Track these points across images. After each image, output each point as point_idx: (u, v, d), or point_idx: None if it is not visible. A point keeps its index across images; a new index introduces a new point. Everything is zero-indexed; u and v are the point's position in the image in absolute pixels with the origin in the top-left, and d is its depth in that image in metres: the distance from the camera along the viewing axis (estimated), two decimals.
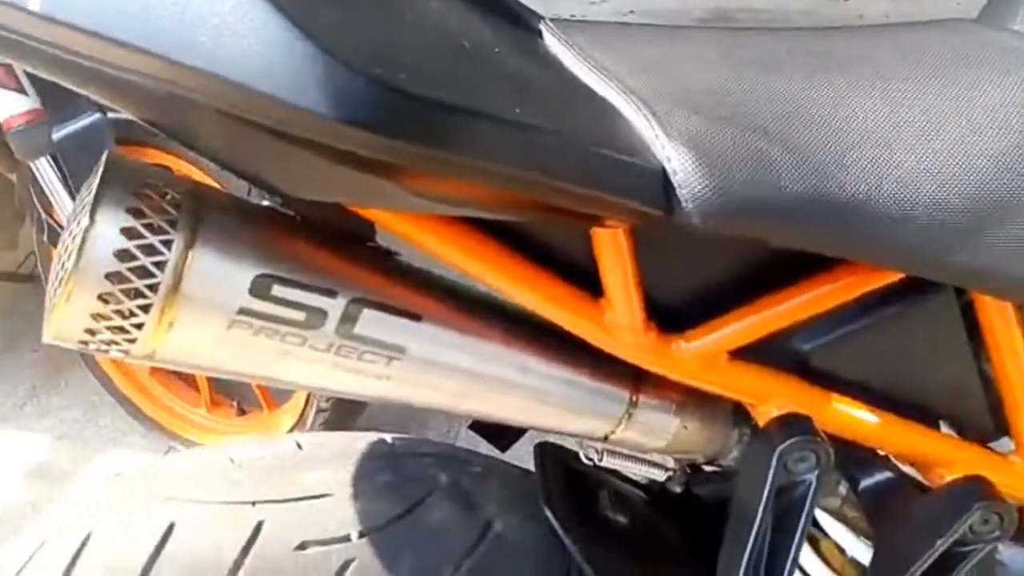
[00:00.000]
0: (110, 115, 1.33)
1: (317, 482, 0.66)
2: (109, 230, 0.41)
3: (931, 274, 0.47)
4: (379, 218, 0.48)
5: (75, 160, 1.34)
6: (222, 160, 0.45)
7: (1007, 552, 0.59)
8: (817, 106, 0.46)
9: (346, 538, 0.63)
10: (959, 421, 0.59)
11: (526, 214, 0.43)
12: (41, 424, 1.82)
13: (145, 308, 0.42)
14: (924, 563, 0.52)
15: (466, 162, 0.35)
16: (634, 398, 0.57)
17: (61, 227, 1.39)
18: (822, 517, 0.72)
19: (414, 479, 0.68)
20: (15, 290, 2.02)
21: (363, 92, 0.32)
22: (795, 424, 0.51)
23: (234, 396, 1.61)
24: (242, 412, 1.59)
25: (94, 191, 0.41)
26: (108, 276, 0.41)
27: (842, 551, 0.72)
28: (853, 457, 0.58)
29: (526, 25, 0.51)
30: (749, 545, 0.50)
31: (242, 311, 0.44)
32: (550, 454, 0.72)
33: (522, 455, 0.74)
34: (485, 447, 0.75)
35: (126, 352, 0.43)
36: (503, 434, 0.82)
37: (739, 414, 0.61)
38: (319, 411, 1.39)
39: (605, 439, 0.59)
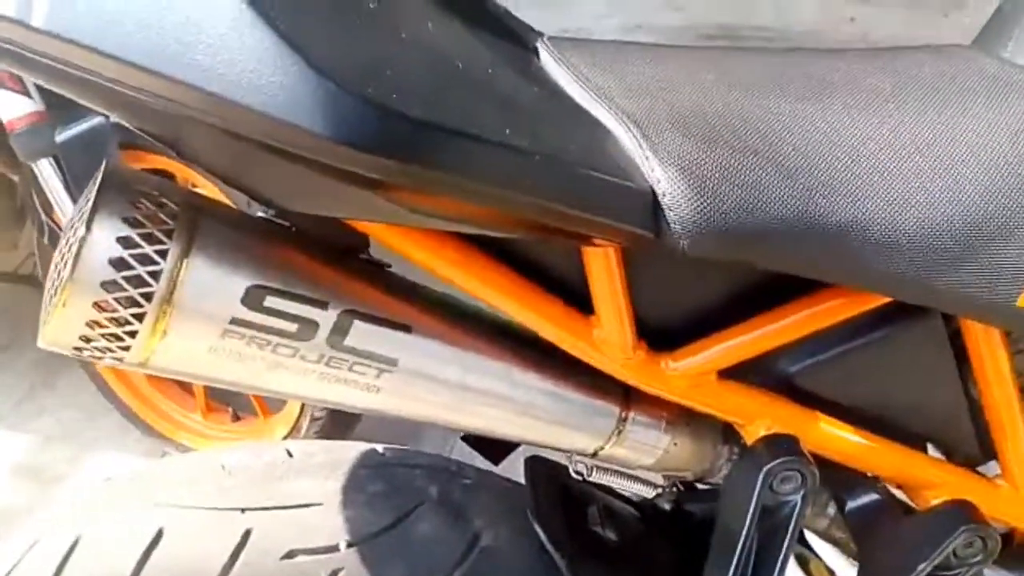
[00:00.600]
0: (113, 119, 1.33)
1: (307, 491, 0.66)
2: (105, 239, 0.41)
3: (918, 299, 0.48)
4: (373, 231, 0.48)
5: (77, 163, 1.35)
6: (218, 172, 0.45)
7: (991, 575, 0.59)
8: (808, 130, 0.46)
9: (334, 548, 0.63)
10: (946, 444, 0.60)
11: (517, 232, 0.44)
12: (37, 424, 1.82)
13: (139, 317, 0.42)
14: None
15: (455, 183, 0.36)
16: (624, 415, 0.57)
17: (61, 229, 1.40)
18: (811, 538, 0.72)
19: (404, 490, 0.68)
20: (15, 291, 2.02)
21: (354, 112, 0.33)
22: (781, 444, 0.51)
23: (229, 402, 1.61)
24: (237, 418, 1.59)
25: (92, 200, 0.42)
26: (103, 284, 0.41)
27: (831, 573, 0.73)
28: (840, 478, 0.58)
29: (522, 43, 0.52)
30: (733, 564, 0.50)
31: (235, 321, 0.44)
32: (541, 468, 0.72)
33: (517, 469, 0.74)
34: (481, 462, 0.75)
35: (120, 360, 0.44)
36: (496, 447, 0.82)
37: (728, 433, 0.61)
38: (313, 420, 1.39)
39: (595, 455, 0.59)
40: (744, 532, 0.50)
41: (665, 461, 0.61)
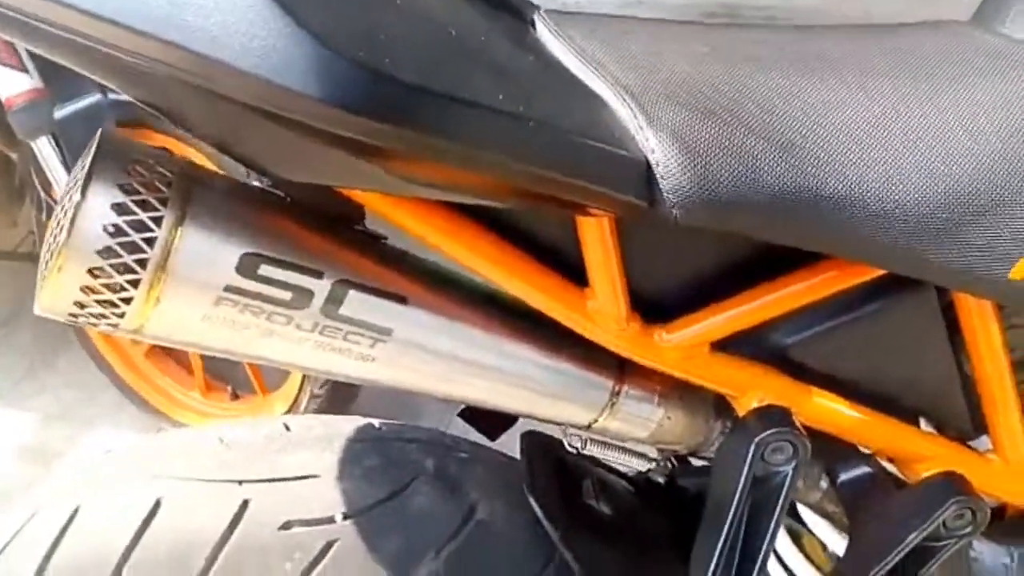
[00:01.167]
0: (111, 96, 1.33)
1: (304, 463, 0.67)
2: (101, 206, 0.41)
3: (911, 272, 0.48)
4: (368, 201, 0.48)
5: (75, 140, 1.34)
6: (213, 141, 0.45)
7: (979, 547, 0.60)
8: (803, 104, 0.46)
9: (330, 519, 0.64)
10: (938, 418, 0.60)
11: (510, 201, 0.44)
12: (36, 402, 1.83)
13: (134, 283, 0.42)
14: (896, 556, 0.52)
15: (447, 147, 0.36)
16: (618, 387, 0.58)
17: None
18: (805, 514, 0.73)
19: (400, 463, 0.69)
20: (14, 269, 2.02)
21: (347, 75, 0.33)
22: (773, 415, 0.52)
23: (228, 380, 1.62)
24: (236, 396, 1.59)
25: (87, 167, 0.42)
26: (98, 251, 0.41)
27: (824, 547, 0.73)
28: (833, 451, 0.58)
29: (518, 15, 0.52)
30: (723, 533, 0.50)
31: (229, 289, 0.44)
32: (537, 443, 0.73)
33: (513, 445, 0.75)
34: (477, 438, 0.75)
35: (115, 326, 0.44)
36: (492, 423, 0.83)
37: (721, 406, 0.62)
38: (313, 396, 1.39)
39: (588, 427, 0.60)
40: (735, 502, 0.50)
41: (658, 434, 0.61)
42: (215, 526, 0.63)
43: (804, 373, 0.55)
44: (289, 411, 1.45)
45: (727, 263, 0.52)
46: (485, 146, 0.37)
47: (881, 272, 0.51)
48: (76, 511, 0.65)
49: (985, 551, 0.59)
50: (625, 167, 0.41)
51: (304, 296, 0.46)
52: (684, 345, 0.52)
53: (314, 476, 0.66)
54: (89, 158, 0.42)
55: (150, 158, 0.44)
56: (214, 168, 0.47)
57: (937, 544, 0.54)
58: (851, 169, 0.45)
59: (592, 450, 0.64)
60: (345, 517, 0.64)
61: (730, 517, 0.50)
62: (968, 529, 0.54)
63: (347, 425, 0.72)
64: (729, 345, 0.53)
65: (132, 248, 0.42)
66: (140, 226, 0.42)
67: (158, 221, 0.42)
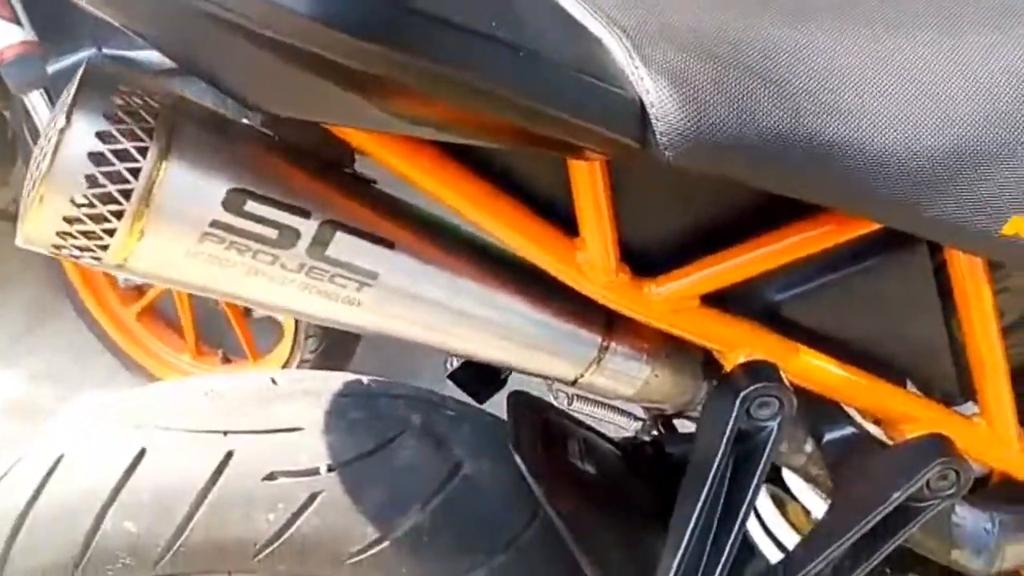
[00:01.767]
0: (106, 50, 1.32)
1: (289, 416, 0.67)
2: (85, 132, 0.41)
3: (903, 225, 0.47)
4: (355, 139, 0.48)
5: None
6: (202, 72, 0.45)
7: (961, 512, 0.60)
8: (801, 49, 0.46)
9: (315, 471, 0.64)
10: (926, 381, 0.60)
11: (501, 140, 0.43)
12: (27, 363, 1.83)
13: (118, 215, 0.42)
14: (879, 514, 0.52)
15: (436, 72, 0.35)
16: (605, 343, 0.57)
17: None
18: (789, 480, 0.73)
19: (386, 418, 0.69)
20: (6, 229, 2.01)
21: None
22: (760, 370, 0.51)
23: (219, 344, 1.62)
24: (227, 360, 1.59)
25: (72, 93, 0.41)
26: (81, 179, 0.41)
27: (808, 513, 0.73)
28: (818, 412, 0.58)
29: None
30: (706, 488, 0.50)
31: (214, 224, 0.44)
32: (523, 402, 0.72)
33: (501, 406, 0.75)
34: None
35: (98, 259, 0.44)
36: (482, 385, 0.83)
37: (709, 365, 0.61)
38: (303, 361, 1.39)
39: (574, 383, 0.60)
40: (719, 456, 0.50)
41: (645, 392, 0.61)
42: (199, 475, 0.63)
43: (793, 330, 0.55)
44: None
45: (718, 216, 0.52)
46: (475, 73, 0.36)
47: (873, 228, 0.51)
48: (60, 458, 0.65)
49: (967, 515, 0.59)
50: (618, 105, 0.41)
51: (290, 235, 0.46)
52: (673, 298, 0.52)
53: (299, 429, 0.66)
54: (75, 85, 0.41)
55: (138, 88, 0.43)
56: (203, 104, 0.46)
57: (920, 504, 0.54)
58: (849, 117, 0.44)
59: (578, 407, 0.63)
60: (330, 469, 0.64)
61: (713, 471, 0.50)
62: (952, 491, 0.54)
63: (335, 380, 0.72)
64: (719, 300, 0.53)
65: (116, 178, 0.41)
66: (125, 155, 0.41)
67: (143, 152, 0.42)
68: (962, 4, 0.50)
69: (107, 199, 0.41)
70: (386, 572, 0.64)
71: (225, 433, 0.65)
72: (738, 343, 0.53)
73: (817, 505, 0.72)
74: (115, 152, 0.41)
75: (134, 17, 0.43)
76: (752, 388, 0.50)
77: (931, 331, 0.57)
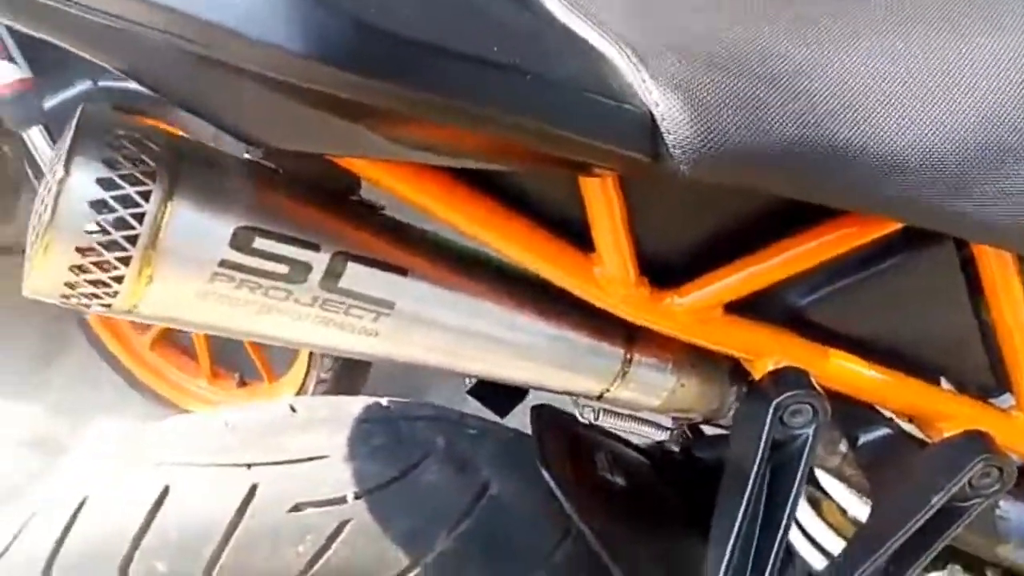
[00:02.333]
0: (102, 83, 1.32)
1: (311, 445, 0.66)
2: (85, 180, 0.40)
3: (928, 223, 0.46)
4: (362, 169, 0.47)
5: (63, 128, 1.33)
6: (200, 111, 0.44)
7: (1005, 506, 0.58)
8: (810, 52, 0.44)
9: (342, 500, 0.63)
10: (959, 376, 0.58)
11: (509, 162, 0.42)
12: (43, 395, 1.83)
13: (124, 261, 0.41)
14: (921, 519, 0.51)
15: (440, 103, 0.34)
16: (629, 355, 0.56)
17: None
18: (823, 478, 0.72)
19: (409, 442, 0.68)
20: (12, 264, 2.00)
21: (332, 27, 0.31)
22: (791, 378, 0.50)
23: (234, 367, 1.61)
24: (243, 383, 1.59)
25: (68, 141, 0.40)
26: (85, 228, 0.40)
27: (844, 512, 0.72)
28: (851, 414, 0.57)
29: None
30: (744, 501, 0.49)
31: (223, 264, 0.43)
32: (548, 417, 0.71)
33: (522, 421, 0.74)
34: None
35: (108, 306, 0.43)
36: (502, 399, 0.82)
37: (736, 372, 0.60)
38: (320, 381, 1.39)
39: (600, 397, 0.58)
40: (755, 468, 0.49)
41: (672, 402, 0.60)
42: (225, 510, 0.62)
43: (820, 333, 0.54)
44: (296, 396, 1.44)
45: (738, 222, 0.51)
46: (478, 101, 0.35)
47: (898, 226, 0.50)
48: (84, 502, 0.64)
49: (1012, 509, 0.58)
50: (628, 121, 0.39)
51: (302, 270, 0.45)
52: (696, 308, 0.50)
53: (323, 457, 0.65)
54: (71, 132, 0.41)
55: (135, 131, 0.42)
56: (203, 142, 0.45)
57: (963, 505, 0.52)
58: (864, 117, 0.43)
59: (605, 421, 0.62)
60: (356, 497, 0.63)
61: (751, 484, 0.49)
62: (995, 488, 0.52)
63: (354, 405, 0.71)
64: (743, 307, 0.52)
65: (120, 224, 0.40)
66: (128, 201, 0.40)
67: (146, 195, 0.41)
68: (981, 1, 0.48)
69: (113, 246, 0.40)
70: None
71: (248, 466, 0.64)
72: (766, 350, 0.52)
73: (852, 502, 0.71)
74: (117, 198, 0.40)
75: (128, 60, 0.42)
76: (784, 396, 0.49)
77: (962, 325, 0.55)
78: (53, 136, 1.30)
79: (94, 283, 0.41)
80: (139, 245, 0.41)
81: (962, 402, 0.56)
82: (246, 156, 0.47)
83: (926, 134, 0.43)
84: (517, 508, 0.67)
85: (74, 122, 0.41)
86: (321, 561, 0.62)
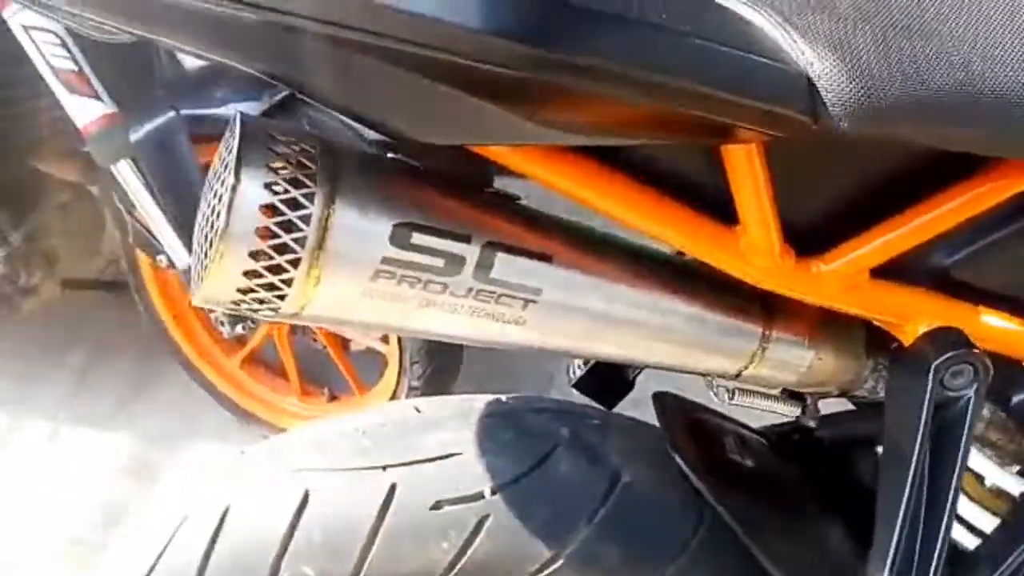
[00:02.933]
0: (184, 112, 1.35)
1: (443, 443, 0.66)
2: (255, 186, 0.41)
3: None
4: (502, 157, 0.47)
5: (152, 160, 1.36)
6: (346, 108, 0.44)
7: None
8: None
9: (479, 495, 0.63)
10: None
11: (659, 134, 0.42)
12: (137, 425, 1.87)
13: (294, 263, 0.42)
14: None
15: (617, 69, 0.35)
16: (767, 332, 0.56)
17: (146, 228, 1.42)
18: None
19: (537, 435, 0.68)
20: (98, 298, 2.07)
21: (514, 3, 0.32)
22: (948, 337, 0.49)
23: (323, 383, 1.64)
24: (333, 398, 1.61)
25: (235, 150, 0.41)
26: (257, 232, 0.41)
27: (981, 480, 0.70)
28: (1002, 374, 0.55)
29: None
30: (912, 468, 0.48)
31: (385, 260, 0.44)
32: (671, 403, 0.71)
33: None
34: None
35: (275, 310, 0.44)
36: (609, 391, 0.82)
37: (872, 341, 0.59)
38: (411, 388, 1.40)
39: (737, 376, 0.58)
40: (919, 432, 0.48)
41: (809, 377, 0.59)
42: (367, 512, 0.63)
43: (967, 292, 0.53)
44: None
45: (880, 184, 0.50)
46: (654, 67, 0.36)
47: None
48: (226, 511, 0.65)
49: None
50: (787, 82, 0.39)
51: (456, 262, 0.46)
52: (842, 275, 0.50)
53: (456, 454, 0.65)
54: (235, 140, 0.42)
55: (292, 136, 0.43)
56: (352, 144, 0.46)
57: None
58: (1018, 60, 0.42)
59: (740, 400, 0.62)
60: (493, 492, 0.64)
61: (916, 451, 0.48)
62: None
63: (476, 402, 0.71)
64: (888, 271, 0.51)
65: (289, 227, 0.41)
66: (294, 204, 0.42)
67: (310, 198, 0.42)
68: None
69: (283, 249, 0.42)
70: None
71: (384, 468, 0.65)
72: (916, 313, 0.51)
73: (991, 471, 0.69)
74: (285, 201, 0.41)
75: (274, 63, 0.43)
76: (944, 357, 0.48)
77: None
78: (140, 166, 1.33)
79: (265, 287, 0.42)
80: (307, 247, 0.42)
81: None
82: (389, 155, 0.48)
83: None
84: (650, 495, 0.66)
85: (236, 131, 0.42)
86: (466, 556, 0.62)
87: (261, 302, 0.43)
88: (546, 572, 0.63)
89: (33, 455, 1.84)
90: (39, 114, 1.54)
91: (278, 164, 0.42)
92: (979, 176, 0.49)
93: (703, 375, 0.60)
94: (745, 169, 0.46)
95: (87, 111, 1.28)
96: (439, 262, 0.45)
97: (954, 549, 0.63)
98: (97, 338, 2.06)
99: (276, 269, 0.42)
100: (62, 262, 1.79)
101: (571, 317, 0.51)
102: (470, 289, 0.46)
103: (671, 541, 0.65)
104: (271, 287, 0.42)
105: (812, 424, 0.72)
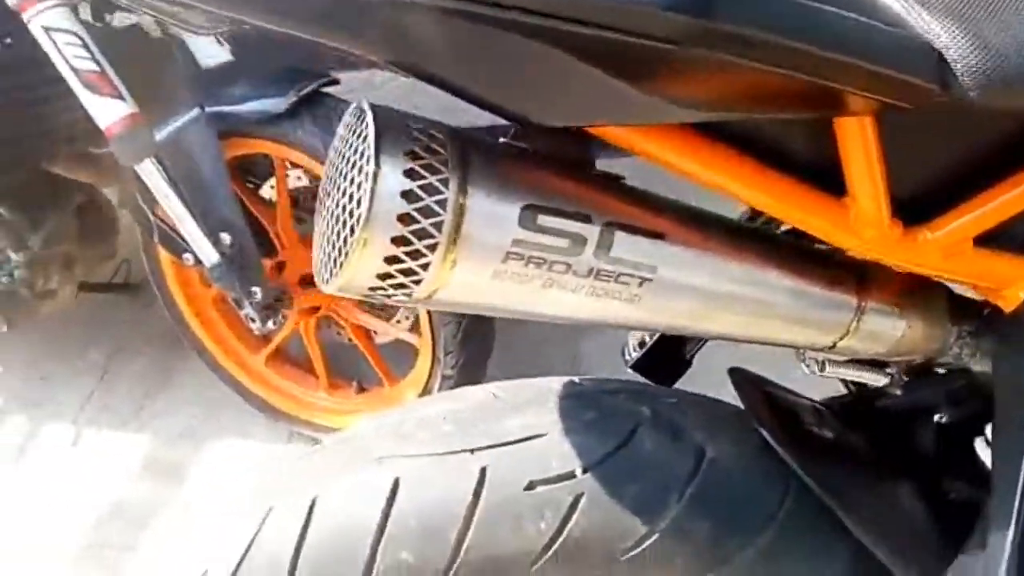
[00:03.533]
0: (209, 109, 1.34)
1: (526, 425, 0.67)
2: (394, 174, 0.41)
3: None
4: (617, 136, 0.48)
5: (179, 158, 1.36)
6: (465, 91, 0.45)
7: None
8: None
9: (571, 475, 0.64)
10: None
11: (785, 108, 0.43)
12: (157, 424, 1.87)
13: (432, 248, 0.42)
14: None
15: (775, 41, 0.35)
16: (862, 304, 0.57)
17: (171, 227, 1.42)
18: None
19: (618, 415, 0.68)
20: (111, 300, 2.05)
21: None
22: None
23: (351, 376, 1.64)
24: (362, 390, 1.61)
25: (372, 138, 0.41)
26: (399, 217, 0.41)
27: None
28: None
29: None
30: None
31: (515, 243, 0.44)
32: (746, 378, 0.72)
33: None
34: None
35: (409, 295, 0.44)
36: (666, 372, 0.83)
37: (958, 310, 0.60)
38: (444, 378, 1.40)
39: (832, 347, 0.59)
40: None
41: (898, 346, 0.60)
42: (460, 495, 0.63)
43: None
44: (421, 395, 1.46)
45: (984, 153, 0.51)
46: (804, 38, 0.37)
47: None
48: (314, 502, 0.65)
49: None
50: (916, 52, 0.40)
51: (579, 242, 0.46)
52: (947, 243, 0.51)
53: (541, 435, 0.66)
54: (371, 129, 0.42)
55: (422, 123, 0.44)
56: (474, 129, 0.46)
57: None
58: None
59: (830, 371, 0.63)
60: (584, 471, 0.64)
61: None
62: None
63: (553, 384, 0.72)
64: (989, 239, 0.52)
65: (427, 212, 0.42)
66: (431, 189, 0.42)
67: (445, 183, 0.42)
68: None
69: (422, 234, 0.42)
70: (662, 563, 0.64)
71: (472, 451, 0.65)
72: (1016, 279, 0.52)
73: None
74: (423, 187, 0.42)
75: (391, 47, 0.43)
76: None
77: None
78: (164, 164, 1.33)
79: (403, 272, 0.43)
80: (444, 231, 0.42)
81: None
82: (502, 140, 0.49)
83: None
84: (736, 469, 0.67)
85: (370, 119, 0.42)
86: (563, 535, 0.63)
87: (397, 287, 0.43)
88: (642, 547, 0.64)
89: (55, 458, 1.83)
90: (55, 117, 1.53)
91: (415, 151, 0.42)
92: None
93: (798, 348, 0.61)
94: (858, 140, 0.47)
95: (110, 112, 1.27)
96: (564, 242, 0.46)
97: None
98: (114, 340, 2.05)
99: (415, 254, 0.42)
100: (78, 265, 1.78)
101: (682, 295, 0.51)
102: (591, 269, 0.47)
103: (759, 513, 0.66)
104: (409, 272, 0.43)
105: (897, 392, 0.73)
